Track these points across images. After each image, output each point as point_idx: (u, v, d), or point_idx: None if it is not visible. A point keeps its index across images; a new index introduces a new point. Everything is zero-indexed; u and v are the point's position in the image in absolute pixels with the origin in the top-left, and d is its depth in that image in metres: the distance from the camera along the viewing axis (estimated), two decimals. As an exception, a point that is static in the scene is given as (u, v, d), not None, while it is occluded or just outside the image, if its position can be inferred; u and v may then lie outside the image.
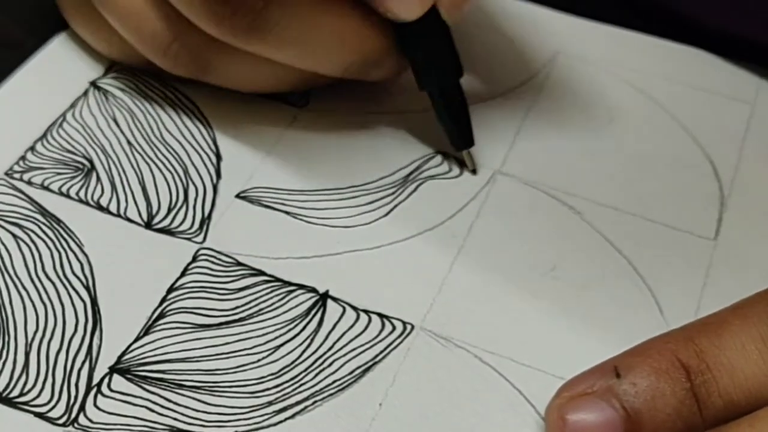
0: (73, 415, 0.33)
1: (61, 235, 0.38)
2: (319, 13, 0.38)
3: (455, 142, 0.41)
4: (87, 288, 0.36)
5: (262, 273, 0.37)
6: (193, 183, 0.40)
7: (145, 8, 0.39)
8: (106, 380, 0.34)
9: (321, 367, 0.35)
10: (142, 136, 0.42)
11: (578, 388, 0.31)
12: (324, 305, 0.36)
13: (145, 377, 0.34)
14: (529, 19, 0.48)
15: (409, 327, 0.36)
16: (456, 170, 0.41)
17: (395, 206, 0.40)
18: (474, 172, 0.41)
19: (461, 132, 0.41)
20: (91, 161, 0.41)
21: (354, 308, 0.36)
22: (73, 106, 0.43)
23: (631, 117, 0.44)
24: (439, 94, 0.40)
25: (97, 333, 0.35)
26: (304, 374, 0.35)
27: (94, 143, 0.41)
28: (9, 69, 0.44)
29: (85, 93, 0.43)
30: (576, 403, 0.31)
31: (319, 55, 0.39)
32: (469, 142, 0.41)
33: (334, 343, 0.35)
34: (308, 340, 0.36)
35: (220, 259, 0.38)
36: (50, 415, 0.33)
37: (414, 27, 0.39)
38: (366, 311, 0.36)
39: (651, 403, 0.30)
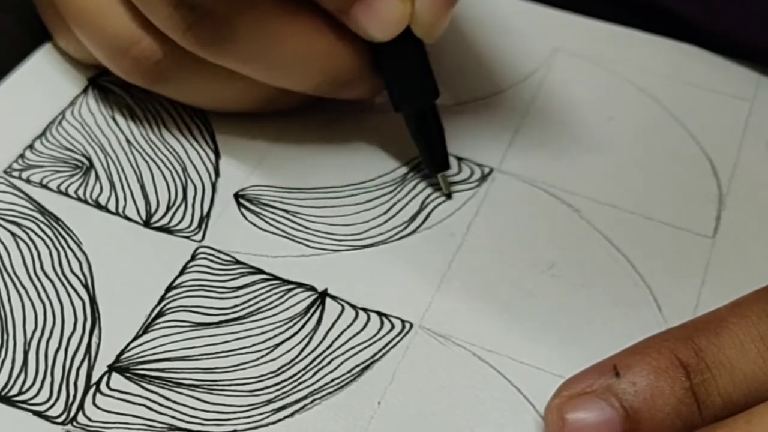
0: (72, 413, 0.33)
1: (60, 234, 0.38)
2: (288, 29, 0.37)
3: (429, 166, 0.40)
4: (86, 286, 0.36)
5: (260, 271, 0.37)
6: (192, 181, 0.40)
7: (111, 8, 0.38)
8: (105, 379, 0.34)
9: (320, 366, 0.35)
10: (141, 134, 0.42)
11: (577, 387, 0.31)
12: (323, 303, 0.37)
13: (143, 376, 0.34)
14: (527, 16, 0.48)
15: (408, 325, 0.36)
16: (455, 168, 0.41)
17: (394, 204, 0.40)
18: (449, 196, 0.40)
19: (436, 155, 0.40)
20: (90, 159, 0.41)
21: (353, 306, 0.36)
22: (72, 104, 0.43)
23: (629, 114, 0.44)
24: (413, 117, 0.39)
25: (96, 331, 0.35)
26: (302, 373, 0.35)
27: (93, 141, 0.41)
28: (8, 67, 0.44)
29: (85, 91, 0.43)
30: (575, 403, 0.31)
31: (287, 71, 0.38)
32: (444, 165, 0.40)
33: (333, 342, 0.35)
34: (307, 339, 0.36)
35: (218, 258, 0.38)
36: (49, 413, 0.33)
37: (388, 47, 0.37)
38: (365, 309, 0.36)
39: (650, 402, 0.30)
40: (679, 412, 0.30)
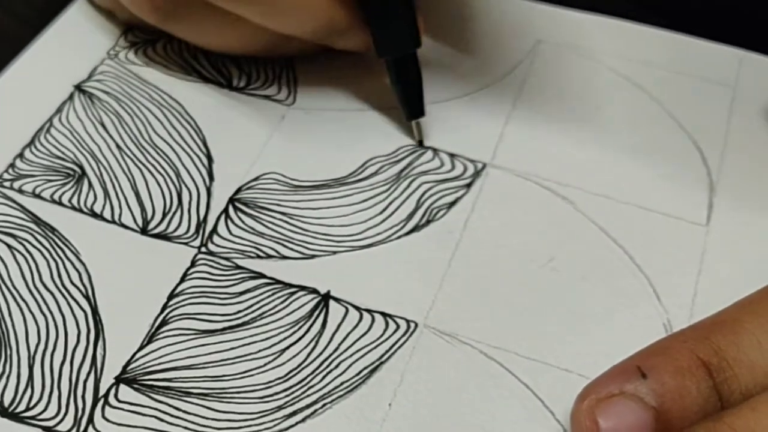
0: (82, 427, 0.33)
1: (57, 244, 0.38)
2: None
3: (405, 112, 0.42)
4: (87, 297, 0.36)
5: (262, 276, 0.37)
6: (186, 186, 0.40)
7: None
8: (113, 391, 0.34)
9: (328, 369, 0.35)
10: (131, 139, 0.41)
11: (604, 390, 0.31)
12: (326, 306, 0.36)
13: (151, 386, 0.34)
14: (508, 10, 0.48)
15: (412, 325, 0.36)
16: (448, 165, 0.41)
17: (390, 203, 0.40)
18: (420, 143, 0.42)
19: (411, 103, 0.42)
20: (81, 167, 0.40)
21: (356, 308, 0.36)
22: (59, 110, 0.42)
23: (616, 104, 0.44)
24: (393, 64, 0.41)
25: (101, 343, 0.35)
26: (311, 377, 0.35)
27: (83, 148, 0.41)
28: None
29: (71, 97, 0.43)
30: (606, 406, 0.31)
31: (286, 15, 0.39)
32: (419, 113, 0.42)
33: (339, 344, 0.35)
34: (313, 342, 0.35)
35: (218, 263, 0.38)
36: (59, 428, 0.33)
37: None
38: (369, 311, 0.36)
39: (679, 401, 0.30)
40: (705, 410, 0.30)
